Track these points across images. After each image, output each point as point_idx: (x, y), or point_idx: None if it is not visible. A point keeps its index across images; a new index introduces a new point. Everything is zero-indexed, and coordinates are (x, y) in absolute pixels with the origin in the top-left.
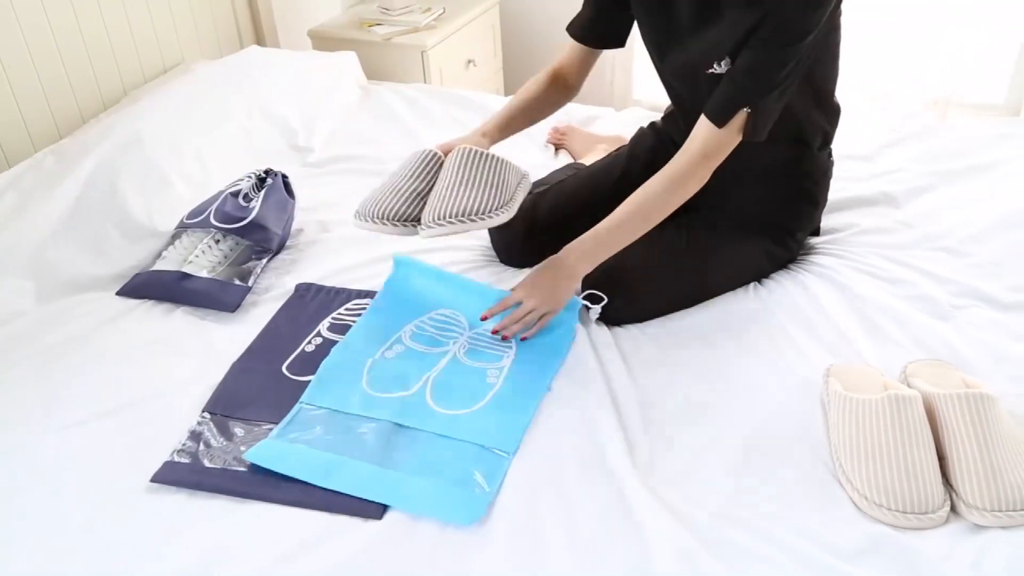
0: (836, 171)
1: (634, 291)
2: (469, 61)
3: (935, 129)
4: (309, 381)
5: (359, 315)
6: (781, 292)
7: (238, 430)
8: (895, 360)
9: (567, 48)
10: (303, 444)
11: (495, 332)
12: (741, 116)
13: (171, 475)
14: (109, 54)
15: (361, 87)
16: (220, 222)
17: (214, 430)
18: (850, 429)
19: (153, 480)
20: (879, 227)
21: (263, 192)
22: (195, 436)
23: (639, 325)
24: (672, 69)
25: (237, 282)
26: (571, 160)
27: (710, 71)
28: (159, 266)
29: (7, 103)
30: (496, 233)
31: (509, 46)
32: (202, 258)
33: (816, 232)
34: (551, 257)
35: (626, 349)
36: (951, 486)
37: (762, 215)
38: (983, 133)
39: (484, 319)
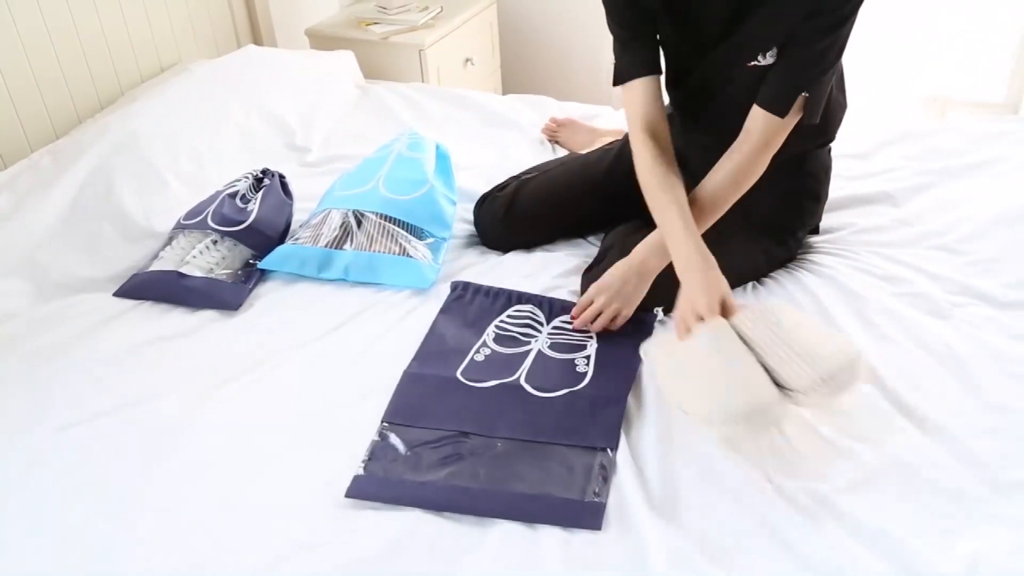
0: (835, 169)
1: None
2: (467, 60)
3: (933, 127)
4: (485, 387)
5: (524, 324)
6: (780, 291)
7: (425, 439)
8: (893, 358)
9: (638, 97)
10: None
11: (574, 328)
12: (799, 102)
13: (366, 490)
14: (105, 54)
15: (359, 86)
16: (218, 224)
17: (398, 441)
18: (678, 371)
19: (348, 496)
20: (877, 225)
21: (261, 193)
22: (381, 448)
23: None
24: (701, 69)
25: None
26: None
27: (753, 64)
28: (156, 267)
29: (3, 103)
30: (479, 214)
31: (507, 45)
32: (200, 259)
33: (816, 230)
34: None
35: None
36: (781, 388)
37: (766, 214)
38: (981, 130)
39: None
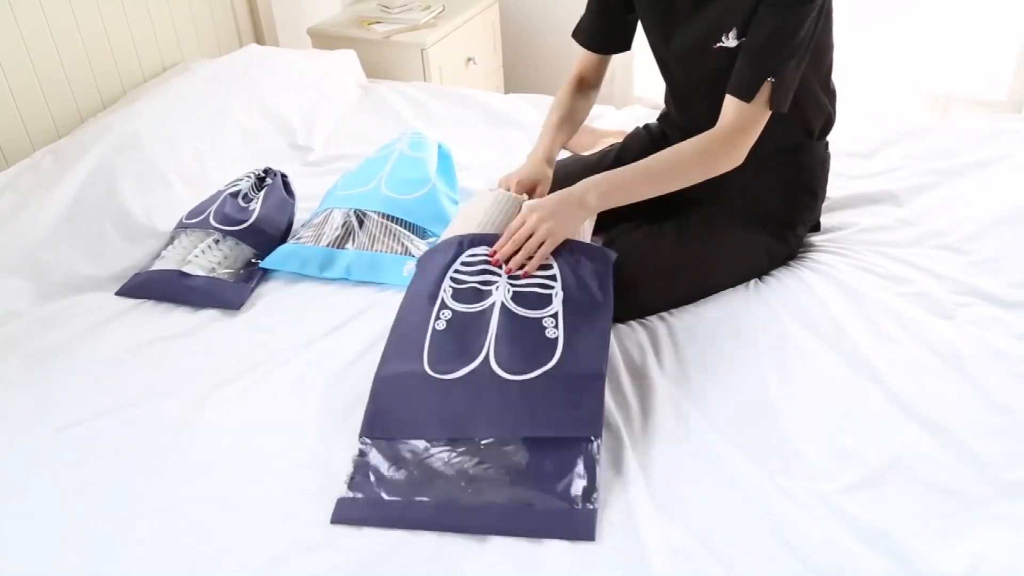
0: (837, 168)
1: (635, 286)
2: (469, 59)
3: (936, 126)
4: (455, 379)
5: (481, 270)
6: (783, 290)
7: (407, 454)
8: (896, 358)
9: (581, 54)
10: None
11: (493, 257)
12: (767, 88)
13: (350, 513)
14: (108, 53)
15: (361, 85)
16: (220, 223)
17: (380, 459)
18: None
19: (333, 522)
20: (880, 225)
21: (263, 192)
22: (363, 467)
23: (640, 321)
24: (677, 52)
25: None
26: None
27: (719, 45)
28: (158, 266)
29: (6, 103)
30: None
31: (509, 44)
32: (201, 258)
33: (817, 227)
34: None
35: (628, 346)
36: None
37: (762, 208)
38: (983, 129)
39: (493, 254)
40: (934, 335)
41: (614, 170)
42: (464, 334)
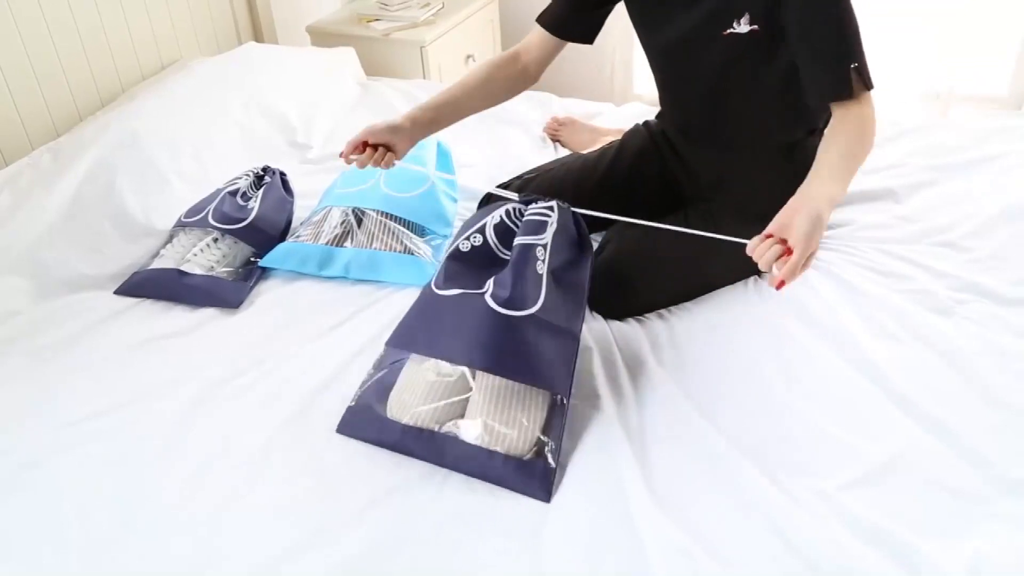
0: None
1: (632, 284)
2: (468, 56)
3: (936, 123)
4: (447, 295)
5: (538, 217)
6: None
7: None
8: (896, 355)
9: (535, 37)
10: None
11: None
12: (854, 75)
13: (352, 425)
14: (106, 51)
15: (360, 83)
16: (218, 222)
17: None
18: None
19: (338, 431)
20: (880, 222)
21: (261, 191)
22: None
23: (638, 319)
24: (675, 41)
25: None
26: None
27: (729, 32)
28: (156, 264)
29: (4, 101)
30: None
31: (509, 41)
32: (200, 257)
33: None
34: (800, 200)
35: (626, 344)
36: None
37: (760, 204)
38: (984, 126)
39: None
40: (934, 332)
41: (823, 170)
42: (479, 268)
